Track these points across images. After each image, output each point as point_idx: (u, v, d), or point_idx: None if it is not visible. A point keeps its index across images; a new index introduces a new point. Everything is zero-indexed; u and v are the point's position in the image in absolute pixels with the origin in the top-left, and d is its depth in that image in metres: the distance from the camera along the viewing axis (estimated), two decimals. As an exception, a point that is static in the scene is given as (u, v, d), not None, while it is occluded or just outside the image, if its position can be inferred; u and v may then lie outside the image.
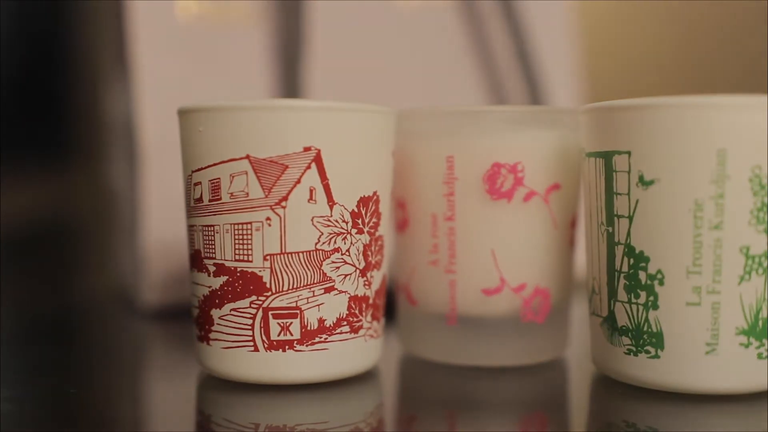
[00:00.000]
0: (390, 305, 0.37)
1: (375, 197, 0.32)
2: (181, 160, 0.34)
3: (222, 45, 0.48)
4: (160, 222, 0.46)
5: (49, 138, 1.12)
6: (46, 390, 0.34)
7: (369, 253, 0.32)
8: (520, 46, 0.53)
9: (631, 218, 0.30)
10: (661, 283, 0.30)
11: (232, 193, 0.31)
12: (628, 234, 0.30)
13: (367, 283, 0.32)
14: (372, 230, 0.32)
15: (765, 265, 0.29)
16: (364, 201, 0.32)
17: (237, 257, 0.31)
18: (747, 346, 0.29)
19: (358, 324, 0.32)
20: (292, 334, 0.31)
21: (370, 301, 0.33)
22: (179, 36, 0.47)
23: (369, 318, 0.33)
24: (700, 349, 0.29)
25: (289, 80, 0.48)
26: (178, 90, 0.46)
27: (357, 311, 0.32)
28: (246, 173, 0.31)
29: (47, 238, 0.93)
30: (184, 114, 0.33)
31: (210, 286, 0.32)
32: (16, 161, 1.01)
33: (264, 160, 0.30)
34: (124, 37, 0.48)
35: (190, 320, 0.34)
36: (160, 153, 0.46)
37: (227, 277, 0.31)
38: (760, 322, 0.29)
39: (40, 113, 1.11)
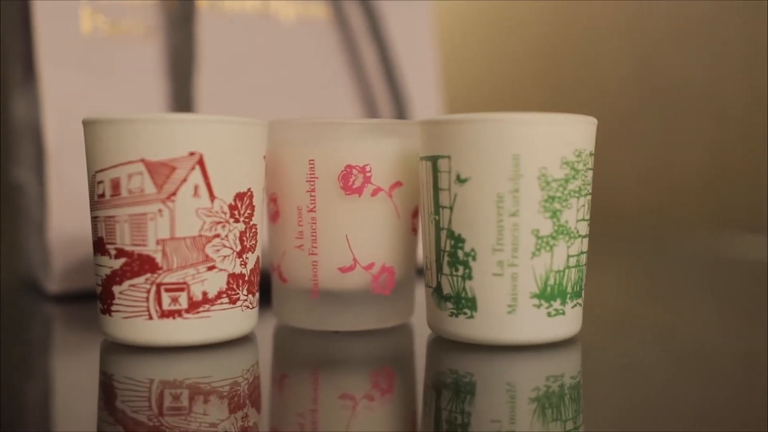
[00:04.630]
0: (266, 284, 0.44)
1: (249, 193, 0.39)
2: (82, 161, 0.39)
3: (119, 58, 0.53)
4: (64, 216, 0.51)
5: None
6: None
7: (244, 238, 0.39)
8: (386, 62, 0.60)
9: (451, 208, 0.38)
10: (474, 258, 0.38)
11: (130, 190, 0.37)
12: (450, 221, 0.38)
13: (243, 263, 0.39)
14: (247, 219, 0.39)
15: (551, 243, 0.37)
16: (240, 196, 0.39)
17: (134, 242, 0.37)
18: (539, 307, 0.38)
19: (235, 296, 0.39)
20: (180, 305, 0.38)
21: (246, 277, 0.39)
22: (81, 49, 0.52)
23: (245, 292, 0.40)
24: (503, 310, 0.38)
25: (181, 91, 0.54)
26: (79, 99, 0.51)
27: (235, 286, 0.39)
28: (141, 173, 0.37)
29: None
30: (88, 124, 0.39)
31: (111, 267, 0.38)
32: None
33: (156, 162, 0.37)
34: (30, 48, 0.53)
35: (91, 303, 0.40)
36: (63, 155, 0.51)
37: (126, 258, 0.37)
38: (548, 288, 0.38)
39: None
